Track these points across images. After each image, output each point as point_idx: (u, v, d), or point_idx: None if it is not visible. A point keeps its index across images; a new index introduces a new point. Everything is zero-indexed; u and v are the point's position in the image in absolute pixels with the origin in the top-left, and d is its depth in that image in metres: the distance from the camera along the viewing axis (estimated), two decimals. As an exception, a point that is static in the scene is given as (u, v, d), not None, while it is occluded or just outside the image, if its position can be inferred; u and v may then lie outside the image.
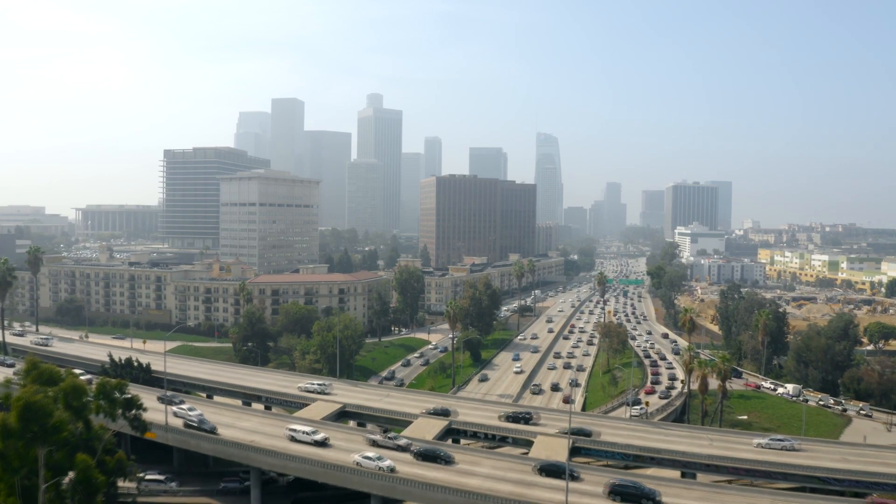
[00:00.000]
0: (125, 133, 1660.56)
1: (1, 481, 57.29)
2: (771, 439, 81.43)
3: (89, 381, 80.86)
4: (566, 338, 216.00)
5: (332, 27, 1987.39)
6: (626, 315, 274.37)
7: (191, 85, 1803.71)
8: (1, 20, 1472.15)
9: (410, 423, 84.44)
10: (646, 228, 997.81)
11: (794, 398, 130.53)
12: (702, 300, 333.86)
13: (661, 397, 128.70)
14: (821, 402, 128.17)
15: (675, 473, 77.47)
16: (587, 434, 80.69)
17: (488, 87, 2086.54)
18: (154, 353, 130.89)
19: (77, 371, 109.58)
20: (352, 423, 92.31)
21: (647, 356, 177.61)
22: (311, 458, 69.00)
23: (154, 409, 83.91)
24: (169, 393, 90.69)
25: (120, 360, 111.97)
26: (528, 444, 79.41)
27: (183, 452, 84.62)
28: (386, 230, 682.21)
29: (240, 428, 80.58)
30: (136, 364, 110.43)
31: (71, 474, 57.48)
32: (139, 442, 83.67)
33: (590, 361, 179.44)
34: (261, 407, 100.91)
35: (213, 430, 77.91)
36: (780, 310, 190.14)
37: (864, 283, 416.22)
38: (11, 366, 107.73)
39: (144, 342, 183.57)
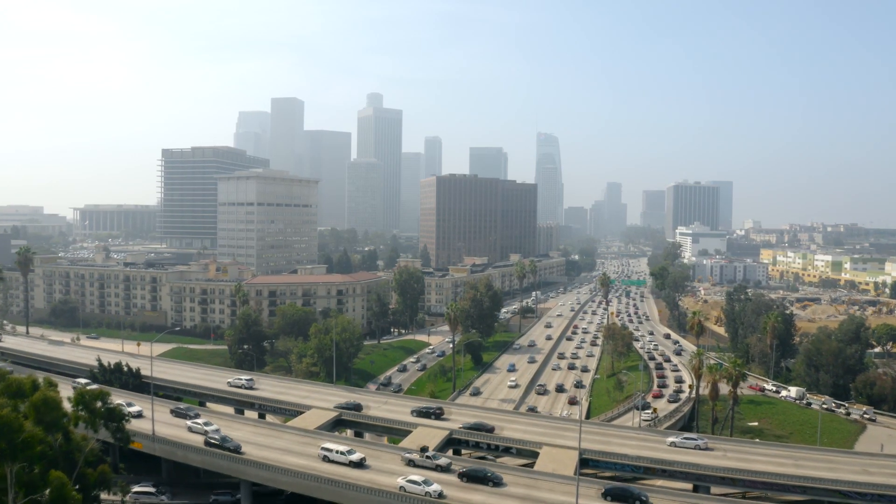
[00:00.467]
0: (125, 133, 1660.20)
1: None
2: (683, 437, 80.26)
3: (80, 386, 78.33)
4: (569, 339, 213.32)
5: (332, 27, 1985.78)
6: (629, 315, 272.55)
7: (191, 85, 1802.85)
8: (1, 20, 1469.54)
9: (410, 432, 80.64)
10: (646, 228, 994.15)
11: (798, 401, 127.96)
12: (705, 301, 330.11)
13: (669, 401, 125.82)
14: (824, 406, 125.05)
15: (688, 486, 73.72)
16: (489, 430, 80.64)
17: (488, 87, 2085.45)
18: (145, 358, 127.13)
19: (62, 376, 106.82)
20: (349, 433, 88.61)
21: (652, 358, 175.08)
22: (305, 472, 65.09)
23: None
24: (182, 406, 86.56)
25: (109, 364, 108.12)
26: (534, 454, 75.61)
27: (172, 463, 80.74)
28: (386, 230, 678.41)
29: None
30: (125, 369, 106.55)
31: (46, 492, 53.75)
32: (130, 450, 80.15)
33: (594, 363, 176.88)
34: (254, 415, 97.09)
35: (237, 450, 71.22)
36: (787, 311, 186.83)
37: (867, 284, 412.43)
38: None
39: (139, 344, 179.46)
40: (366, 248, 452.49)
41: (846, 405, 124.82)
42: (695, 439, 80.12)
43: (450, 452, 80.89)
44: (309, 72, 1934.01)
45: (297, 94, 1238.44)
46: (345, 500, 62.95)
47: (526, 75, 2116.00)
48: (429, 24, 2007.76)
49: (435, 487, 60.71)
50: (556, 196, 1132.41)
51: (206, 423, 77.57)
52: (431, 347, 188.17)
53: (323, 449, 69.95)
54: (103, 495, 67.28)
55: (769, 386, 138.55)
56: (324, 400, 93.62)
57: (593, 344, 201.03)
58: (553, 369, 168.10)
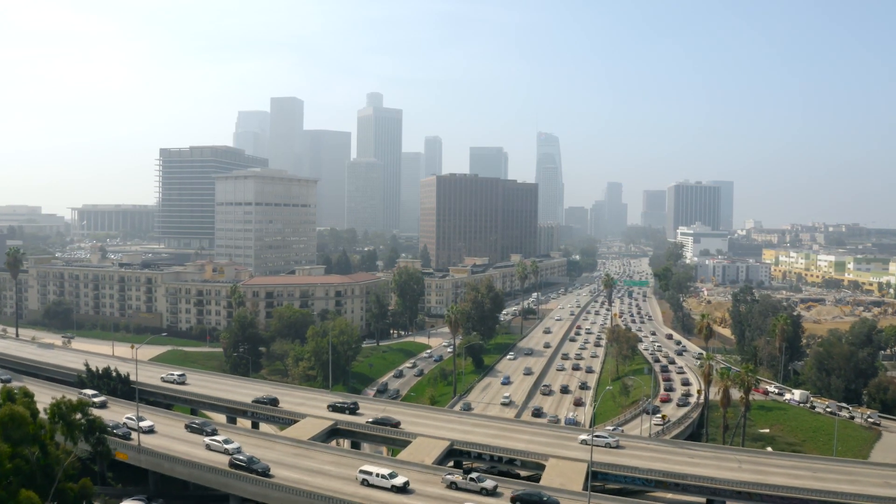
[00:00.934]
0: (125, 133, 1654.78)
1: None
2: (595, 435, 78.39)
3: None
4: (572, 339, 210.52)
5: (332, 27, 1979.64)
6: (632, 315, 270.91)
7: (191, 85, 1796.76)
8: (1, 20, 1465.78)
9: (409, 442, 76.87)
10: (647, 228, 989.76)
11: (801, 404, 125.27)
12: (708, 302, 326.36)
13: (678, 405, 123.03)
14: (828, 410, 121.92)
15: (701, 501, 70.01)
16: (395, 424, 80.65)
17: (488, 87, 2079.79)
18: (137, 362, 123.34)
19: (49, 382, 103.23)
20: (346, 444, 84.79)
21: (656, 360, 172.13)
22: (297, 489, 61.22)
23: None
24: (198, 421, 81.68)
25: (97, 369, 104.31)
26: (539, 467, 71.87)
27: (159, 475, 76.93)
28: (385, 230, 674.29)
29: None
30: (114, 374, 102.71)
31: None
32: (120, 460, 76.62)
33: (598, 363, 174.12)
34: (247, 423, 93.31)
35: (265, 472, 65.25)
36: (795, 313, 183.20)
37: (871, 285, 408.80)
38: None
39: (133, 346, 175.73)
40: (365, 249, 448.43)
41: (850, 408, 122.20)
42: (605, 437, 78.51)
43: (451, 463, 77.31)
44: (309, 72, 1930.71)
45: (297, 94, 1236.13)
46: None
47: (526, 75, 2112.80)
48: (429, 24, 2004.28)
49: None
50: (556, 196, 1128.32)
51: (225, 441, 72.20)
52: (429, 352, 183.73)
53: (362, 472, 64.04)
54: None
55: (772, 388, 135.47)
56: (319, 408, 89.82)
57: (597, 345, 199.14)
58: (557, 370, 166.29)
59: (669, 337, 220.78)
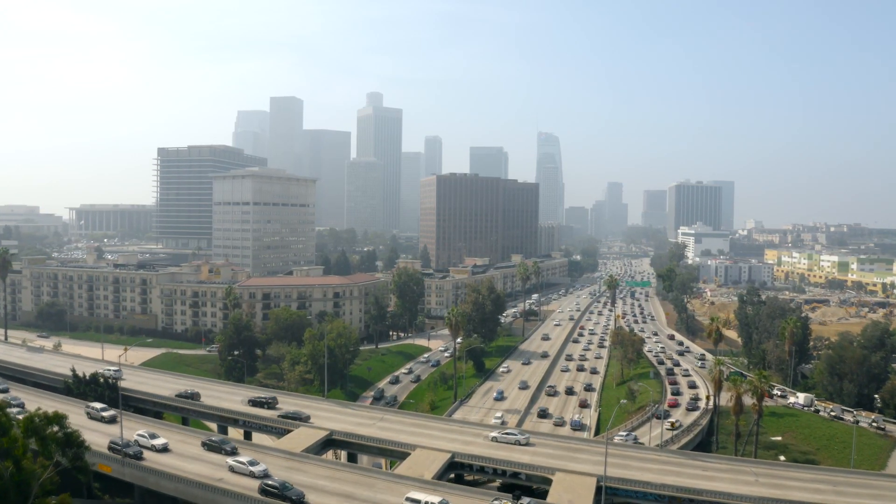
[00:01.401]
0: (125, 133, 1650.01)
1: None
2: (504, 433, 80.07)
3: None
4: (576, 341, 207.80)
5: (332, 27, 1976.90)
6: (634, 316, 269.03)
7: (191, 85, 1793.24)
8: (1, 20, 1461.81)
9: (408, 454, 72.95)
10: (648, 228, 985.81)
11: (806, 408, 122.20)
12: (712, 303, 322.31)
13: (688, 409, 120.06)
14: (832, 413, 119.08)
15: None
16: (305, 418, 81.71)
17: (488, 87, 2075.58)
18: (126, 367, 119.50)
19: (36, 388, 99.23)
20: (343, 456, 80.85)
21: (660, 362, 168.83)
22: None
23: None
24: (216, 438, 75.26)
25: (84, 375, 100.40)
26: (546, 481, 67.96)
27: (144, 489, 73.00)
28: (385, 230, 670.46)
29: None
30: (101, 381, 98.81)
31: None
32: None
33: (602, 365, 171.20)
34: (240, 433, 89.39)
35: (300, 499, 59.36)
36: (803, 315, 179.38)
37: (875, 285, 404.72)
38: None
39: (126, 349, 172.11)
40: (365, 249, 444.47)
41: (854, 412, 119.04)
42: (515, 434, 79.25)
43: (452, 476, 73.47)
44: (309, 72, 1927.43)
45: (296, 94, 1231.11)
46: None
47: (526, 75, 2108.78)
48: (429, 24, 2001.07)
49: None
50: (556, 196, 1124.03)
51: (251, 463, 65.69)
52: (427, 356, 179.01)
53: (409, 500, 58.84)
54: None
55: (775, 391, 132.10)
56: (313, 416, 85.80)
57: (601, 346, 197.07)
58: (562, 371, 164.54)
59: (671, 337, 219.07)
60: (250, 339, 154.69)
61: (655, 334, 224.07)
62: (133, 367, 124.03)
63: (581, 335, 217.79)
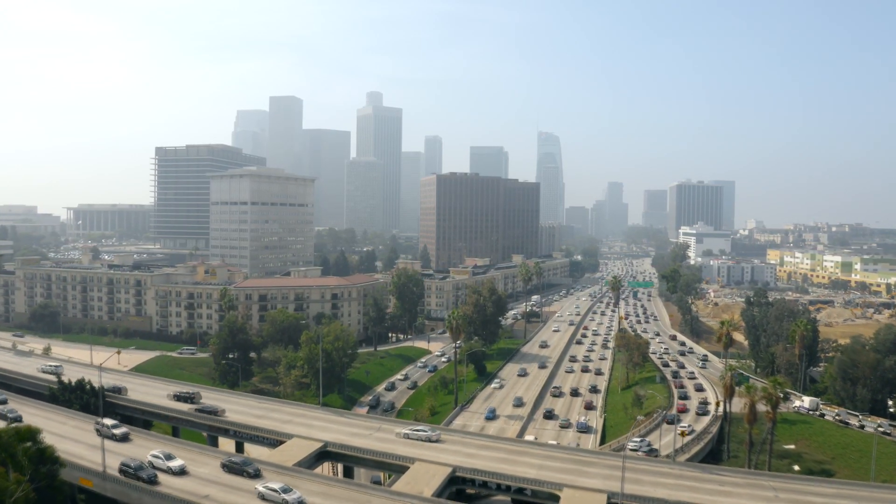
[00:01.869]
0: (125, 133, 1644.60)
1: None
2: (413, 429, 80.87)
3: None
4: (579, 342, 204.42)
5: (332, 27, 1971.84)
6: (637, 317, 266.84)
7: (191, 85, 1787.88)
8: (1, 20, 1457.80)
9: (406, 468, 68.95)
10: (649, 228, 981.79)
11: (811, 412, 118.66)
12: (716, 304, 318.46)
13: (698, 413, 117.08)
14: (837, 418, 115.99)
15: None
16: (218, 412, 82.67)
17: (488, 87, 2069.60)
18: (115, 372, 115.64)
19: (21, 395, 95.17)
20: (340, 470, 76.79)
21: (665, 364, 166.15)
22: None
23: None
24: (237, 459, 68.28)
25: (69, 382, 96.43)
26: (553, 497, 63.93)
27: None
28: (385, 230, 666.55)
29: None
30: (87, 387, 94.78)
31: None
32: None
33: (606, 366, 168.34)
34: (231, 443, 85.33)
35: None
36: (812, 317, 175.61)
37: (879, 286, 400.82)
38: None
39: (118, 352, 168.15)
40: (364, 249, 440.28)
41: (860, 417, 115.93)
42: (426, 431, 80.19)
43: (454, 489, 69.42)
44: (309, 72, 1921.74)
45: (296, 94, 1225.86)
46: None
47: (526, 75, 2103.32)
48: (429, 24, 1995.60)
49: None
50: (557, 196, 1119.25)
51: (283, 490, 59.10)
52: (424, 361, 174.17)
53: None
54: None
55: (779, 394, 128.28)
56: (308, 425, 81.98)
57: (604, 347, 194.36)
58: (566, 372, 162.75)
59: (673, 338, 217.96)
60: (245, 342, 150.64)
61: (658, 334, 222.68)
62: (120, 371, 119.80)
63: (584, 336, 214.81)
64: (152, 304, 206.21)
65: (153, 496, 61.66)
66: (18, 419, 79.83)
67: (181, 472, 65.35)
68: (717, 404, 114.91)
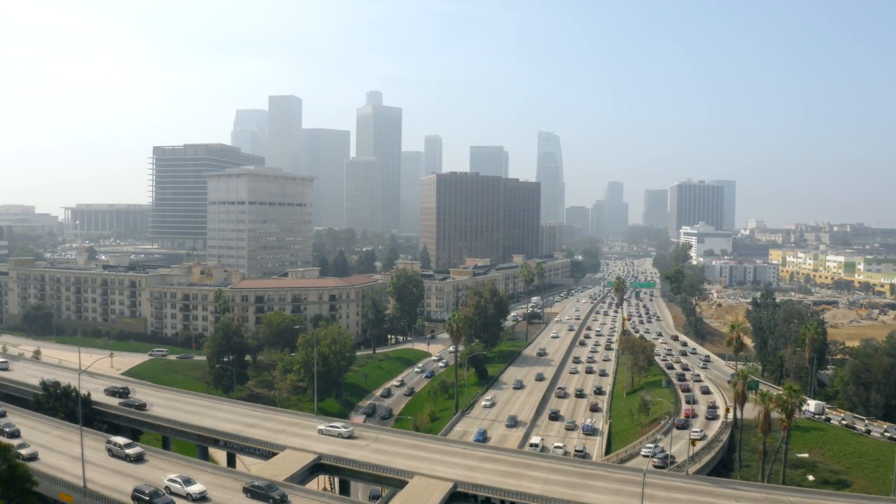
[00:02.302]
0: (125, 133, 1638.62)
1: None
2: (330, 426, 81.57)
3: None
4: (582, 343, 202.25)
5: (332, 27, 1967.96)
6: (640, 317, 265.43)
7: (191, 85, 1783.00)
8: (1, 20, 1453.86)
9: (405, 482, 65.19)
10: (649, 228, 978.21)
11: (817, 416, 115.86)
12: (719, 304, 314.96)
13: (707, 418, 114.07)
14: (843, 422, 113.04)
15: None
16: (140, 406, 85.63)
17: (489, 87, 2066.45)
18: (104, 378, 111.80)
19: (5, 403, 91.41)
20: (336, 483, 73.00)
21: (670, 367, 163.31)
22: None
23: None
24: (261, 484, 61.40)
25: (55, 389, 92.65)
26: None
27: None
28: (385, 230, 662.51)
29: None
30: (73, 395, 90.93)
31: None
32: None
33: (610, 367, 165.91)
34: (222, 454, 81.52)
35: None
36: (821, 319, 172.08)
37: (883, 286, 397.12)
38: None
39: (112, 355, 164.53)
40: (364, 249, 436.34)
41: (866, 421, 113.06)
42: (339, 427, 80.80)
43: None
44: (309, 72, 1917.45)
45: (296, 94, 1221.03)
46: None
47: (526, 75, 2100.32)
48: (429, 24, 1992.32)
49: None
50: (557, 195, 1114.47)
51: None
52: (420, 366, 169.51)
53: None
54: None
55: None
56: (302, 435, 78.23)
57: (608, 348, 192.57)
58: (570, 373, 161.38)
59: (675, 338, 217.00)
60: (240, 345, 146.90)
61: (660, 335, 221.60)
62: (111, 377, 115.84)
63: (587, 337, 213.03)
64: (147, 305, 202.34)
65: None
66: (16, 433, 76.05)
67: (201, 498, 60.12)
68: (727, 410, 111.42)
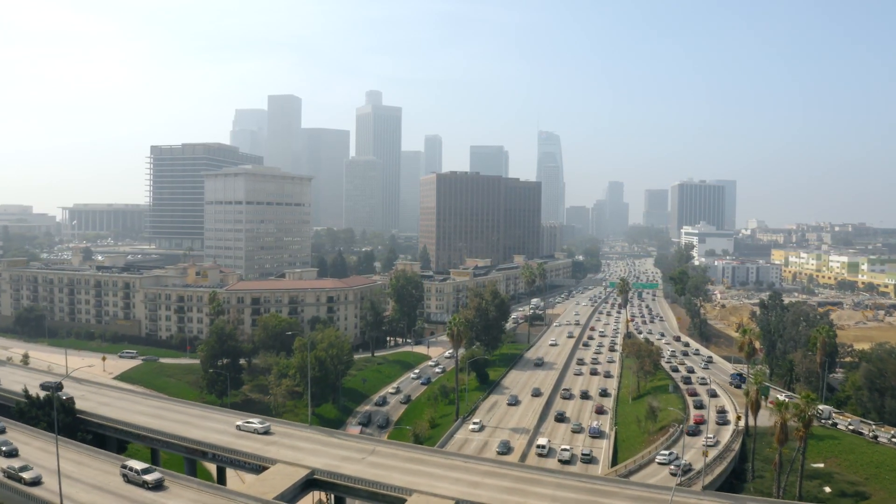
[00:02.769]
0: (125, 133, 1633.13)
1: None
2: (245, 422, 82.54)
3: None
4: (586, 345, 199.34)
5: (332, 27, 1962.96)
6: (643, 317, 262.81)
7: (191, 85, 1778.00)
8: (1, 20, 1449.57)
9: (404, 500, 61.18)
10: (650, 228, 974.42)
11: (824, 420, 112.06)
12: (723, 306, 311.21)
13: (718, 423, 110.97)
14: (850, 427, 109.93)
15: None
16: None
17: (489, 87, 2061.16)
18: (91, 384, 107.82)
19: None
20: (332, 500, 68.95)
21: (675, 369, 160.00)
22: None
23: None
24: None
25: (37, 396, 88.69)
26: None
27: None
28: (384, 230, 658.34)
29: None
30: (56, 403, 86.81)
31: None
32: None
33: (615, 368, 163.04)
34: (213, 467, 77.49)
35: None
36: (829, 321, 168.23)
37: (887, 286, 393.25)
38: None
39: (104, 359, 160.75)
40: (363, 249, 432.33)
41: (873, 425, 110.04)
42: (254, 423, 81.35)
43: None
44: (309, 71, 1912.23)
45: (296, 94, 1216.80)
46: None
47: (526, 75, 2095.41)
48: (429, 24, 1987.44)
49: None
50: (557, 195, 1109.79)
51: None
52: (416, 372, 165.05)
53: None
54: None
55: (782, 397, 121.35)
56: (294, 447, 74.19)
57: (612, 349, 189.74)
58: (575, 374, 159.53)
59: (678, 339, 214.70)
60: (235, 350, 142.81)
61: (662, 335, 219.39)
62: (99, 384, 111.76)
63: (591, 338, 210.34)
64: (141, 307, 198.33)
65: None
66: (14, 453, 71.72)
67: None
68: (738, 418, 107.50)
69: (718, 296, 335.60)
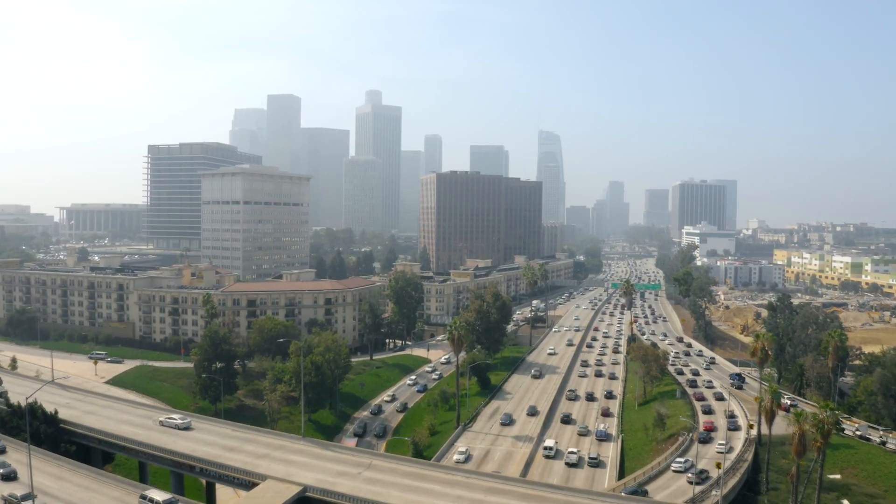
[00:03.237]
0: (125, 133, 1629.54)
1: None
2: (167, 417, 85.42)
3: None
4: (589, 346, 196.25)
5: (332, 27, 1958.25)
6: (646, 317, 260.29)
7: (191, 85, 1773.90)
8: (1, 20, 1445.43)
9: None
10: (651, 228, 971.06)
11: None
12: (727, 307, 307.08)
13: (730, 428, 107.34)
14: (857, 433, 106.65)
15: None
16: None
17: (489, 87, 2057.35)
18: (77, 391, 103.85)
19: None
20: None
21: (680, 372, 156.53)
22: None
23: None
24: None
25: (18, 405, 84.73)
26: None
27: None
28: (384, 230, 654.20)
29: None
30: (39, 413, 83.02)
31: None
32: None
33: (620, 370, 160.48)
34: (202, 483, 73.57)
35: None
36: (840, 324, 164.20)
37: (891, 287, 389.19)
38: None
39: (96, 363, 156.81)
40: (362, 250, 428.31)
41: (881, 431, 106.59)
42: (176, 420, 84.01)
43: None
44: (309, 71, 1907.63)
45: (295, 93, 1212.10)
46: None
47: (526, 75, 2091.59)
48: (429, 24, 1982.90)
49: None
50: (557, 195, 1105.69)
51: None
52: (413, 378, 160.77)
53: None
54: None
55: (785, 400, 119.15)
56: (286, 461, 70.24)
57: (616, 351, 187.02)
58: (580, 376, 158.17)
59: (680, 339, 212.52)
60: (229, 353, 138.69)
61: (665, 335, 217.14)
62: (86, 391, 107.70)
63: (595, 339, 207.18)
64: (135, 309, 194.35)
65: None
66: (12, 475, 67.05)
67: None
68: (751, 426, 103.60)
69: (722, 297, 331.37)
